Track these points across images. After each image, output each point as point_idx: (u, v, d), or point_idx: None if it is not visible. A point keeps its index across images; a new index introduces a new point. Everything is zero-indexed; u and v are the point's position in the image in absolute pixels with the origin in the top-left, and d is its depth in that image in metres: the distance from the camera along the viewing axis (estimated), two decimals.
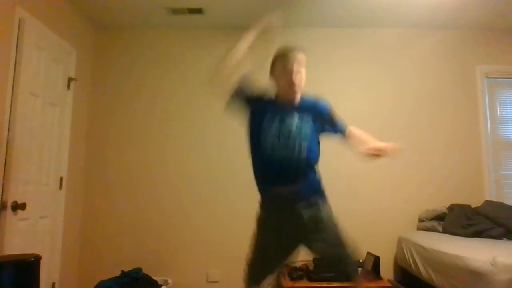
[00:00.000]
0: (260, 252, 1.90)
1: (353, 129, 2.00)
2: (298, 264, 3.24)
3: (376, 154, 1.76)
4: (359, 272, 1.85)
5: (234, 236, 3.48)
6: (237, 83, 1.91)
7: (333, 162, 3.58)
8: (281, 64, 1.85)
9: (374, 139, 1.89)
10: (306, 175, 1.86)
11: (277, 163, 1.82)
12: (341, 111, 3.67)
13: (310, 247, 1.89)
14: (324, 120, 1.93)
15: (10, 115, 2.46)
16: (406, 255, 3.10)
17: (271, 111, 1.87)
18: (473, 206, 3.33)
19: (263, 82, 1.98)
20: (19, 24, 2.53)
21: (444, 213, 3.34)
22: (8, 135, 2.44)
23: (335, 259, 1.85)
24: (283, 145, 1.80)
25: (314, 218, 1.81)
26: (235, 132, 3.61)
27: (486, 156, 3.59)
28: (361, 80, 3.70)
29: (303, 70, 1.83)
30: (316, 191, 1.90)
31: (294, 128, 1.82)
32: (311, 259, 3.15)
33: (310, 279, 2.98)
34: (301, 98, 1.91)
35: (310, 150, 1.86)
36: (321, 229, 1.80)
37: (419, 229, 3.45)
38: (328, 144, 3.58)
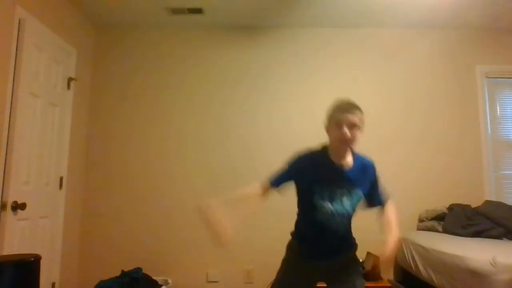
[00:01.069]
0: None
1: (389, 208, 1.91)
2: None
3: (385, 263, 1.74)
4: None
5: (235, 236, 3.48)
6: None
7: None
8: (335, 116, 1.71)
9: (394, 231, 1.84)
10: (347, 246, 1.87)
11: (321, 236, 1.77)
12: None
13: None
14: (370, 187, 1.80)
15: (10, 115, 2.46)
16: (406, 255, 3.10)
17: (320, 177, 1.73)
18: (473, 206, 3.33)
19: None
20: (19, 24, 2.53)
21: (444, 213, 3.33)
22: (8, 135, 2.44)
23: None
24: (331, 220, 1.72)
25: (346, 269, 1.80)
26: (237, 132, 3.62)
27: (486, 156, 3.59)
28: (361, 80, 3.70)
29: (358, 128, 1.67)
30: (353, 259, 1.89)
31: (343, 205, 1.73)
32: None
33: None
34: (354, 160, 1.77)
35: (350, 223, 1.83)
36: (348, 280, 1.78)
37: (419, 229, 3.45)
38: None
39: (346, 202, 1.72)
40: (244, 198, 1.83)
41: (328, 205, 1.70)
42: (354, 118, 1.65)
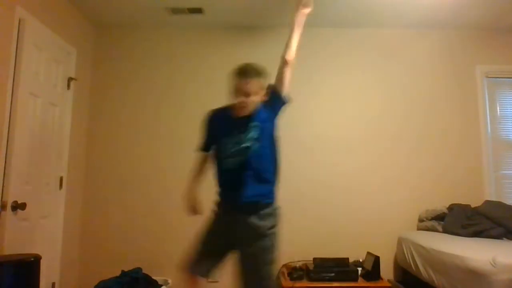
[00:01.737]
0: (202, 245, 2.05)
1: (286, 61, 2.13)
2: (298, 264, 3.24)
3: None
4: None
5: None
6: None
7: (333, 163, 3.59)
8: (233, 82, 1.93)
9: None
10: (253, 184, 1.95)
11: (228, 173, 1.98)
12: (341, 111, 3.68)
13: (238, 258, 2.02)
14: (272, 102, 2.01)
15: (10, 115, 2.46)
16: (406, 255, 3.10)
17: (225, 125, 2.00)
18: (473, 206, 3.33)
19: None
20: (19, 24, 2.53)
21: (444, 213, 3.34)
22: (8, 135, 2.44)
23: (249, 283, 1.95)
24: (234, 155, 1.94)
25: (255, 233, 1.93)
26: None
27: (486, 156, 3.59)
28: (361, 80, 3.70)
29: (252, 93, 1.89)
30: (265, 204, 1.98)
31: (242, 139, 1.93)
32: (311, 259, 3.15)
33: (310, 279, 2.97)
34: (256, 110, 1.97)
35: (260, 162, 1.96)
36: (255, 248, 1.92)
37: (419, 229, 3.45)
38: (328, 144, 3.59)
39: (243, 137, 1.93)
40: (198, 173, 2.23)
41: (228, 137, 1.96)
42: (245, 85, 1.86)
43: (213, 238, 2.04)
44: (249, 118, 1.94)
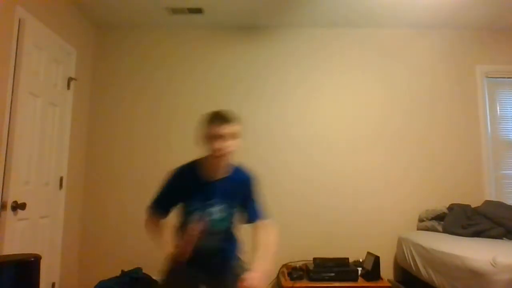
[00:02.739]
0: None
1: (268, 230, 1.80)
2: (298, 264, 3.24)
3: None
4: None
5: None
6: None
7: (333, 163, 3.59)
8: (204, 129, 1.70)
9: (262, 263, 1.66)
10: (228, 265, 1.77)
11: (199, 243, 1.68)
12: (341, 111, 3.68)
13: None
14: (244, 200, 1.76)
15: (10, 115, 2.46)
16: (406, 255, 3.10)
17: (194, 188, 1.73)
18: (473, 206, 3.33)
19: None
20: (19, 24, 2.53)
21: (444, 213, 3.33)
22: (8, 135, 2.44)
23: None
24: (207, 235, 1.67)
25: None
26: None
27: (486, 156, 3.59)
28: (361, 80, 3.70)
29: (229, 139, 1.64)
30: (233, 267, 1.80)
31: (213, 215, 1.69)
32: (311, 259, 3.15)
33: (310, 279, 2.97)
34: (229, 173, 1.74)
35: (229, 231, 1.76)
36: None
37: (419, 229, 3.45)
38: (328, 144, 3.59)
39: (217, 217, 1.69)
40: (163, 240, 1.91)
41: (198, 205, 1.69)
42: (222, 130, 1.63)
43: None
44: (223, 181, 1.71)
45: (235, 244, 1.83)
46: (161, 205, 1.82)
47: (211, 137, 1.65)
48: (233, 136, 1.66)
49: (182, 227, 1.74)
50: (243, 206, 1.77)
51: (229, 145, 1.64)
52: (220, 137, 1.63)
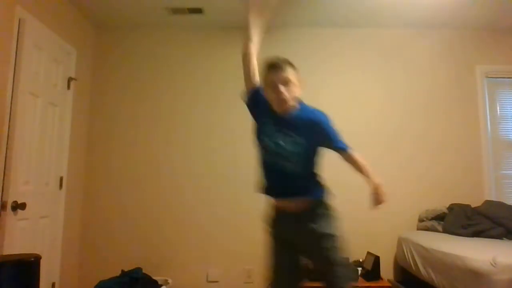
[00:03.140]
0: (275, 270, 1.85)
1: (353, 153, 1.85)
2: None
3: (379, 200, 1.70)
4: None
5: (235, 235, 3.48)
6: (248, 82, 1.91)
7: (333, 163, 3.58)
8: (266, 76, 1.76)
9: (371, 173, 1.77)
10: (301, 189, 1.81)
11: (272, 175, 1.81)
12: (341, 111, 3.68)
13: (309, 259, 1.90)
14: (320, 136, 1.80)
15: (10, 115, 2.46)
16: (406, 255, 3.10)
17: (266, 121, 1.82)
18: (473, 206, 3.33)
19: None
20: (19, 24, 2.53)
21: (444, 213, 3.34)
22: (8, 135, 2.44)
23: (328, 276, 1.76)
24: (275, 159, 1.76)
25: (314, 232, 1.76)
26: (239, 132, 3.62)
27: (486, 156, 3.59)
28: (361, 80, 3.70)
29: (291, 82, 1.71)
30: (316, 205, 1.83)
31: (282, 144, 1.75)
32: None
33: (310, 279, 2.97)
34: (297, 110, 1.79)
35: (299, 166, 1.77)
36: (321, 244, 1.75)
37: (419, 229, 3.45)
38: None
39: (287, 144, 1.74)
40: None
41: (269, 138, 1.77)
42: (285, 75, 1.69)
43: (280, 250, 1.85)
44: (290, 119, 1.76)
45: (315, 183, 1.88)
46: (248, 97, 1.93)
47: (271, 85, 1.71)
48: (294, 82, 1.72)
49: (259, 151, 1.84)
50: (324, 142, 1.82)
51: (292, 90, 1.71)
52: (282, 81, 1.69)
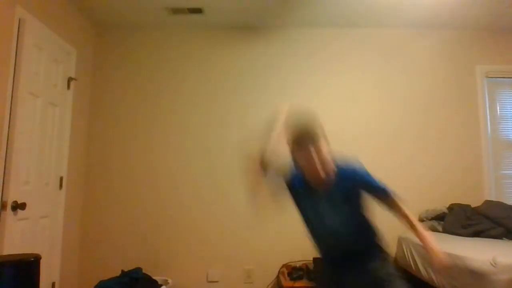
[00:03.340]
0: None
1: (398, 200, 1.71)
2: (298, 264, 3.24)
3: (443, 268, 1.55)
4: None
5: (234, 236, 3.48)
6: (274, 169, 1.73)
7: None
8: (295, 153, 1.61)
9: (427, 233, 1.65)
10: (360, 252, 1.72)
11: (329, 251, 1.74)
12: (341, 111, 3.68)
13: None
14: (361, 187, 1.69)
15: (10, 115, 2.46)
16: (406, 255, 3.10)
17: (305, 196, 1.69)
18: (473, 206, 3.33)
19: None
20: (19, 24, 2.53)
21: (444, 213, 3.34)
22: (8, 135, 2.44)
23: None
24: (327, 239, 1.68)
25: (375, 275, 1.71)
26: (236, 132, 3.62)
27: (486, 156, 3.59)
28: (361, 80, 3.70)
29: (321, 151, 1.57)
30: (375, 250, 1.77)
31: (331, 223, 1.65)
32: (311, 259, 3.15)
33: (310, 279, 2.97)
34: (334, 176, 1.64)
35: (353, 236, 1.69)
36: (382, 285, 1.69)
37: None
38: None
39: (336, 223, 1.66)
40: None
41: (319, 225, 1.68)
42: (314, 148, 1.55)
43: None
44: (330, 190, 1.64)
45: (369, 234, 1.77)
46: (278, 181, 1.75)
47: (301, 162, 1.59)
48: (320, 152, 1.57)
49: (308, 231, 1.75)
50: (367, 192, 1.69)
51: (322, 163, 1.56)
52: (310, 161, 1.56)
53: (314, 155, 1.56)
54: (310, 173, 1.61)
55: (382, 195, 1.68)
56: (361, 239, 1.73)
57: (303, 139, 1.58)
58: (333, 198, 1.65)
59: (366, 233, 1.75)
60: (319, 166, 1.56)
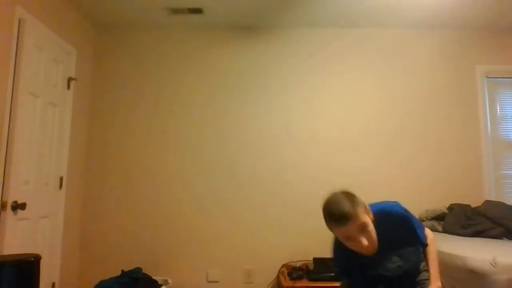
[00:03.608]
0: None
1: (431, 247, 1.76)
2: (298, 264, 3.24)
3: None
4: None
5: (234, 236, 3.48)
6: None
7: (333, 163, 3.59)
8: (338, 233, 1.54)
9: (436, 274, 1.72)
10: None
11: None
12: (341, 111, 3.68)
13: None
14: (408, 233, 1.70)
15: (10, 115, 2.46)
16: None
17: (361, 263, 1.65)
18: (473, 206, 3.33)
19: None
20: (19, 24, 2.53)
21: (444, 213, 3.33)
22: (8, 135, 2.44)
23: None
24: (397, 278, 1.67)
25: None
26: (236, 132, 3.62)
27: (486, 156, 3.59)
28: (361, 80, 3.70)
29: (365, 225, 1.49)
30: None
31: (395, 270, 1.65)
32: (311, 259, 3.16)
33: (310, 279, 2.97)
34: (380, 237, 1.57)
35: (415, 267, 1.73)
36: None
37: None
38: (328, 144, 3.59)
39: (396, 269, 1.66)
40: None
41: (388, 274, 1.67)
42: (356, 224, 1.46)
43: None
44: (383, 251, 1.62)
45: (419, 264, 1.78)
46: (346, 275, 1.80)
47: (347, 241, 1.52)
48: (362, 227, 1.48)
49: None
50: (413, 240, 1.70)
51: (368, 237, 1.49)
52: (355, 238, 1.48)
53: (359, 230, 1.48)
54: (361, 250, 1.55)
55: (423, 239, 1.73)
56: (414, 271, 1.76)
57: (342, 216, 1.46)
58: (392, 249, 1.65)
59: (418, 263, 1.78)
60: (367, 244, 1.49)
